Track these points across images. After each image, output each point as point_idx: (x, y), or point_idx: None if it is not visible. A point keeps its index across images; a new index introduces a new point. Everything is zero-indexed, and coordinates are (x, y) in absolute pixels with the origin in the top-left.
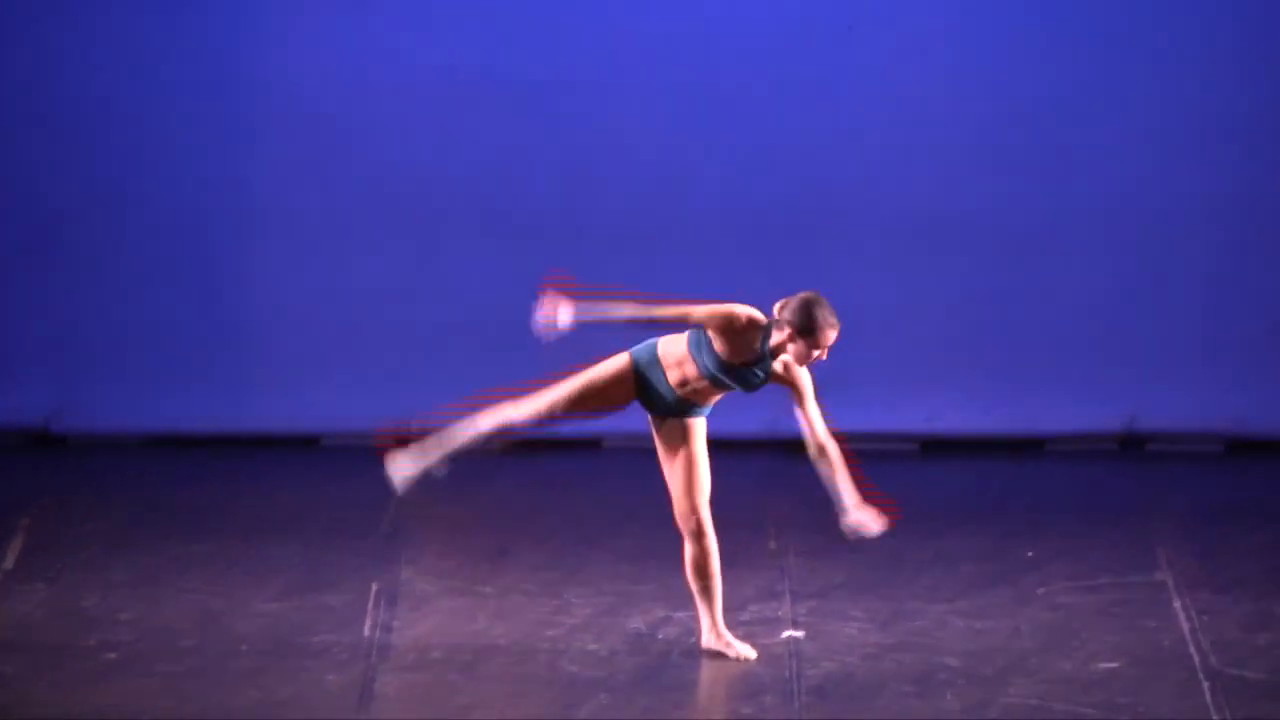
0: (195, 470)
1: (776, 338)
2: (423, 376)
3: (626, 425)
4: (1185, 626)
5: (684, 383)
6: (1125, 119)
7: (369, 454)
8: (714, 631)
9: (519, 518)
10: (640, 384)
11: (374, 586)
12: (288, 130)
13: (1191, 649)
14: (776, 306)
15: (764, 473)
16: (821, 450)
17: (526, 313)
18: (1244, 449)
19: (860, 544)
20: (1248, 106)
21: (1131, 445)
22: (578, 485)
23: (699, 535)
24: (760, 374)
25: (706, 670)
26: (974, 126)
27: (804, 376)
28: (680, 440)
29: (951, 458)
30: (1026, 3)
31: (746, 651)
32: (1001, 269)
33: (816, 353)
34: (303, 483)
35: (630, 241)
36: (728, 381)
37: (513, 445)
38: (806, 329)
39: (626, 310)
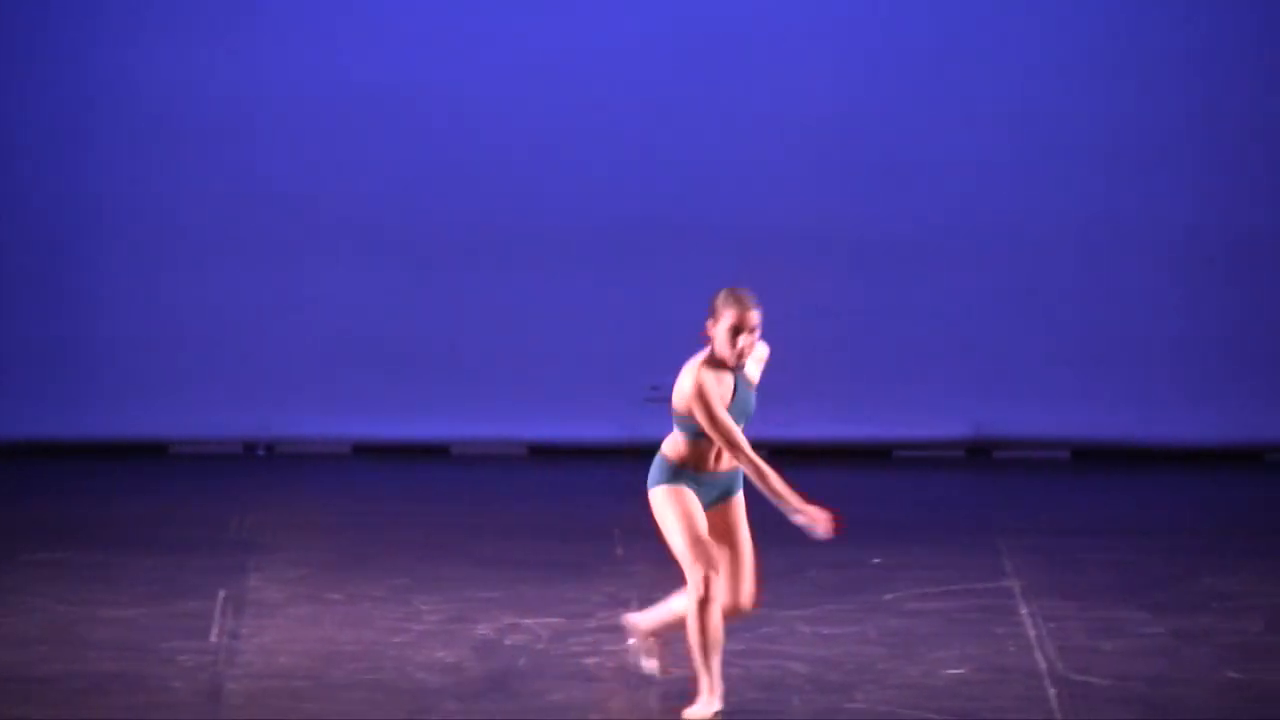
0: (42, 480)
1: (723, 329)
2: (276, 387)
3: (473, 432)
4: (1032, 633)
5: (698, 456)
6: (975, 134)
7: (218, 462)
8: (650, 633)
9: (368, 525)
10: (694, 485)
11: (221, 594)
12: (139, 143)
13: (1038, 655)
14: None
15: (612, 480)
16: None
17: (379, 325)
18: (1090, 456)
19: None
20: (1101, 123)
21: (978, 453)
22: (426, 493)
23: (736, 615)
24: (745, 389)
25: (552, 677)
26: (824, 140)
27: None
28: (727, 522)
29: (801, 464)
30: (873, 17)
31: (655, 668)
32: (853, 280)
33: (741, 337)
34: (151, 491)
35: (486, 254)
36: (738, 412)
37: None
38: (714, 314)
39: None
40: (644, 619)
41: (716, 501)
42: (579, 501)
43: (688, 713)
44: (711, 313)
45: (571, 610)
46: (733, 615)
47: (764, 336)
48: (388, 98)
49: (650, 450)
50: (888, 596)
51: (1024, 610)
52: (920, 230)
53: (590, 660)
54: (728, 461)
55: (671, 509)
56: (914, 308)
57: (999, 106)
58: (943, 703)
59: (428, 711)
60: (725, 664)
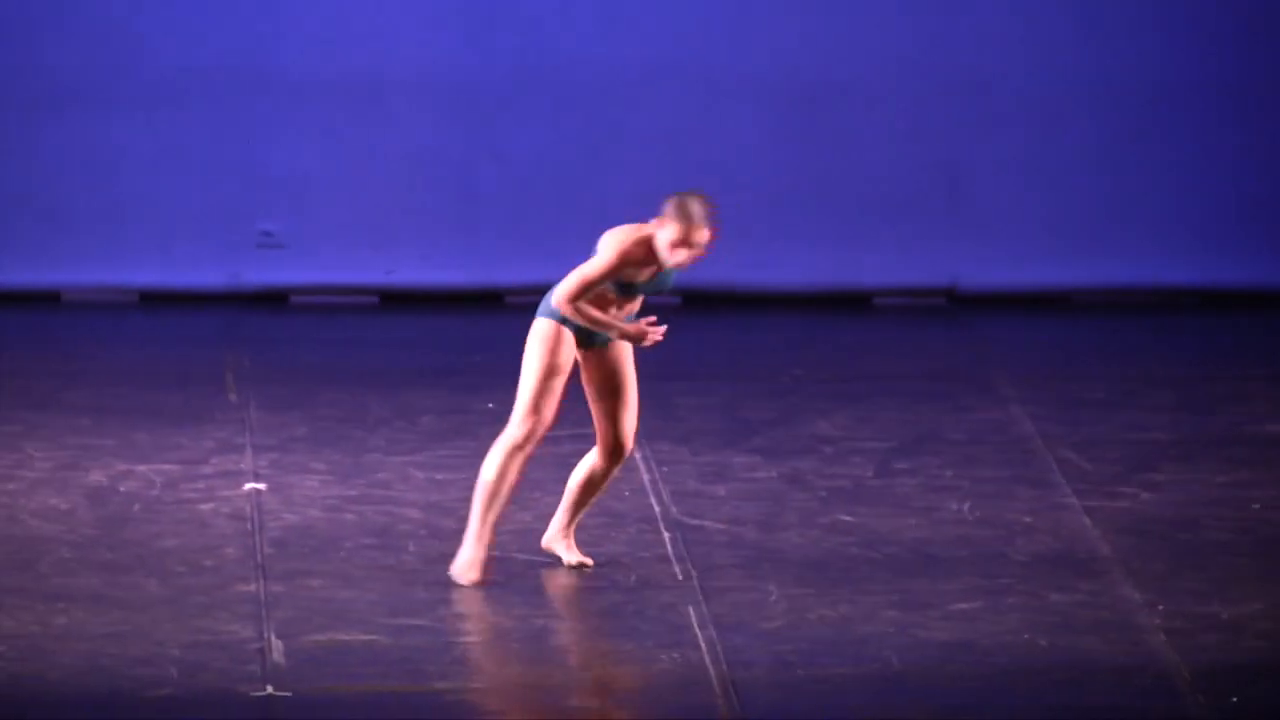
0: None
1: (666, 236)
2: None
3: (82, 279)
4: (646, 477)
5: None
6: None
7: None
8: (564, 535)
9: None
10: (571, 331)
11: None
12: None
13: (652, 499)
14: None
15: (223, 326)
16: None
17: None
18: (698, 301)
19: (327, 399)
20: None
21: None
22: (37, 341)
23: (619, 456)
24: (667, 279)
25: (166, 523)
26: None
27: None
28: (608, 364)
29: (411, 311)
30: None
31: (584, 559)
32: (459, 124)
33: (681, 251)
34: None
35: (91, 97)
36: (642, 289)
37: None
38: (664, 215)
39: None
40: (556, 526)
41: (602, 342)
42: (191, 348)
43: (453, 569)
44: (663, 212)
45: (185, 456)
46: (614, 458)
47: (368, 182)
48: None
49: (261, 296)
50: None
51: (637, 455)
52: (516, 77)
53: (205, 506)
54: (622, 312)
55: (541, 348)
56: (521, 153)
57: None
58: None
59: (41, 558)
60: (337, 509)
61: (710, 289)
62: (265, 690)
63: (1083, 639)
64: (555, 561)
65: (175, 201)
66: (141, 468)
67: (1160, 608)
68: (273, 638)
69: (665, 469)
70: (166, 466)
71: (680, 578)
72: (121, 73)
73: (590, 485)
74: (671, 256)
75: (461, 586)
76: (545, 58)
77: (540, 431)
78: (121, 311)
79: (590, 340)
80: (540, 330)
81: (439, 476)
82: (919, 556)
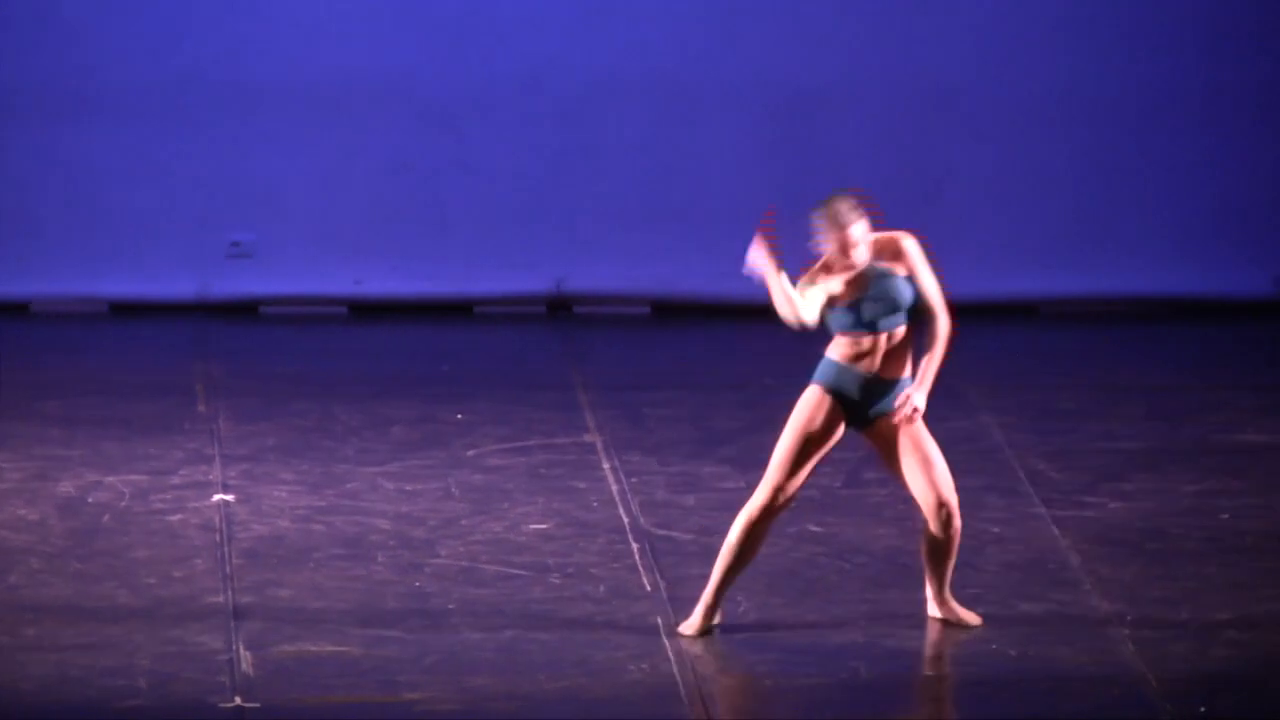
0: None
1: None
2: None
3: (53, 290)
4: (614, 488)
5: (859, 354)
6: None
7: None
8: (939, 603)
9: None
10: (841, 403)
11: None
12: None
13: (621, 510)
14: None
15: (193, 336)
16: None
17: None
18: (670, 311)
19: (296, 410)
20: None
21: (560, 308)
22: (6, 351)
23: (948, 525)
24: (888, 276)
25: (136, 534)
26: None
27: (911, 251)
28: (887, 434)
29: (381, 321)
30: None
31: (972, 618)
32: (429, 136)
33: (851, 252)
34: None
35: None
36: (874, 306)
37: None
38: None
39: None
40: (931, 595)
41: (876, 414)
42: (160, 359)
43: (682, 627)
44: (817, 233)
45: (154, 467)
46: (941, 523)
47: (340, 191)
48: None
49: (231, 306)
50: (470, 452)
51: (606, 465)
52: (487, 87)
53: (174, 517)
54: (893, 366)
55: (801, 414)
56: (491, 164)
57: None
58: (526, 557)
59: (11, 569)
60: (307, 520)
61: (681, 299)
62: (234, 701)
63: (1052, 649)
64: (525, 572)
65: (145, 212)
66: (111, 478)
67: (1129, 617)
68: (242, 648)
69: (634, 479)
70: (136, 477)
71: (649, 588)
72: (90, 83)
73: (936, 553)
74: (845, 258)
75: (431, 595)
76: (516, 68)
77: (781, 500)
78: (91, 322)
79: (863, 416)
80: (805, 395)
81: (409, 487)
82: (889, 566)
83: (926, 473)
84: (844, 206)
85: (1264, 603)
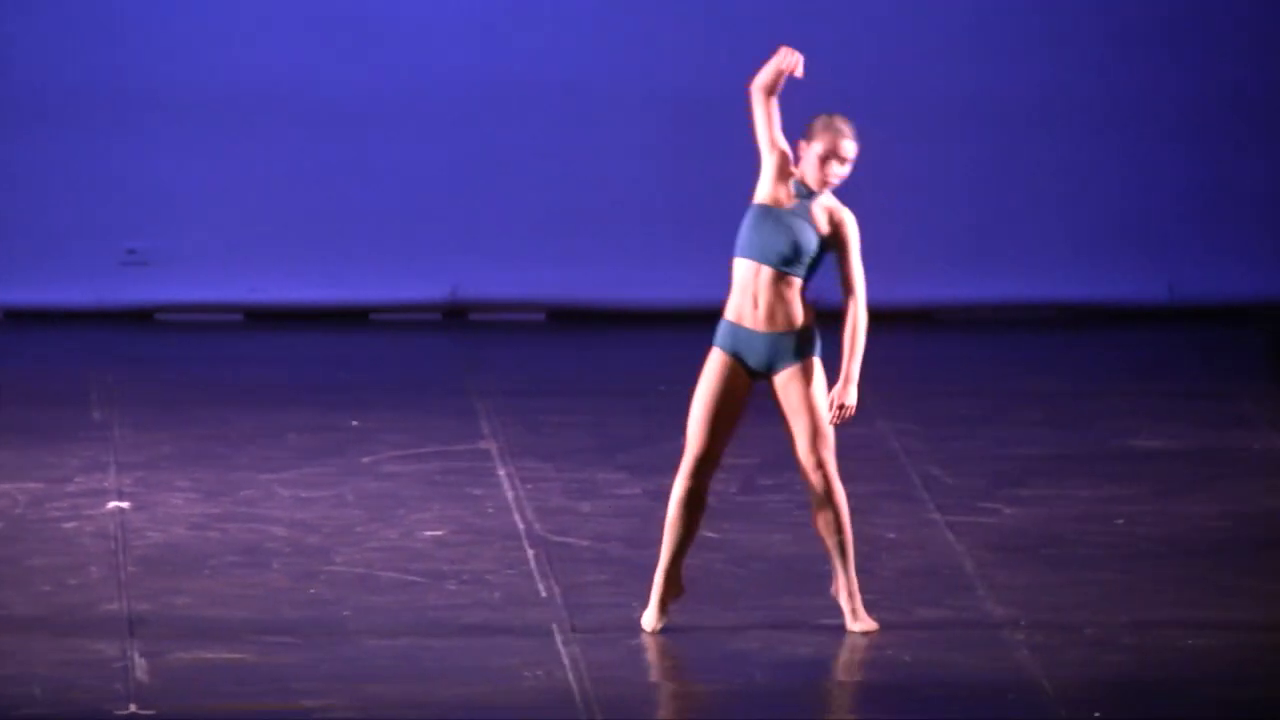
0: None
1: (815, 151)
2: None
3: None
4: (510, 494)
5: (741, 292)
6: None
7: None
8: (847, 591)
9: None
10: (738, 359)
11: None
12: None
13: (517, 517)
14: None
15: (88, 344)
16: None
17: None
18: (565, 318)
19: (192, 417)
20: None
21: (455, 315)
22: None
23: (826, 490)
24: (805, 219)
25: (31, 541)
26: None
27: (849, 231)
28: (790, 390)
29: (276, 329)
30: None
31: (869, 625)
32: (323, 142)
33: (831, 164)
34: None
35: None
36: (769, 232)
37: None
38: (808, 135)
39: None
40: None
41: (761, 375)
42: (55, 366)
43: (643, 620)
44: (806, 134)
45: (50, 475)
46: (810, 486)
47: (235, 199)
48: None
49: (126, 314)
50: (366, 459)
51: (502, 472)
52: (381, 95)
53: (70, 524)
54: (777, 318)
55: (704, 377)
56: (387, 172)
57: None
58: (423, 564)
59: None
60: (203, 527)
61: (576, 306)
62: (130, 709)
63: (948, 655)
64: (421, 579)
65: (39, 219)
66: (6, 486)
67: (1025, 623)
68: (138, 656)
69: (530, 486)
70: (31, 485)
71: (545, 594)
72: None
73: (828, 531)
74: (819, 171)
75: (327, 602)
76: (414, 75)
77: (703, 467)
78: None
79: (761, 372)
80: (707, 360)
81: (305, 494)
82: (786, 573)
83: (807, 431)
84: (850, 127)
85: (1160, 609)
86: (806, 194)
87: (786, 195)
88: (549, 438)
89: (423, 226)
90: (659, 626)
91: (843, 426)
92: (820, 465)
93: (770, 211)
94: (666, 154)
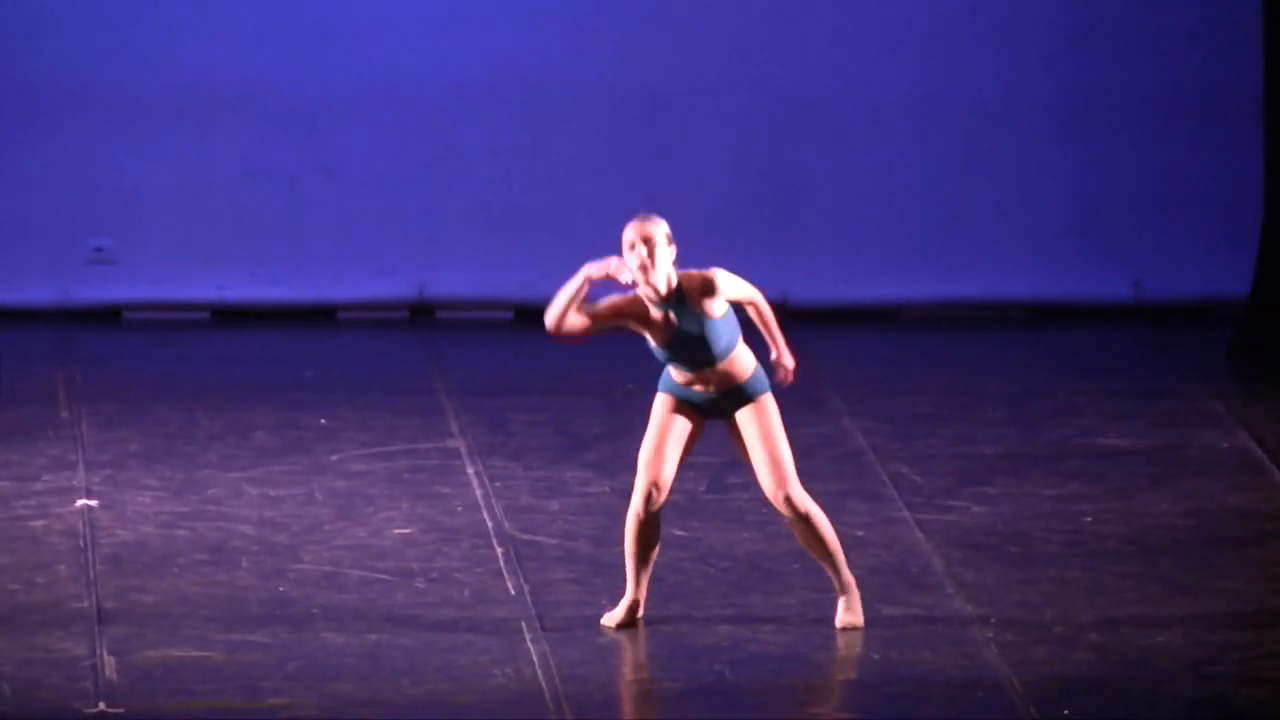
0: None
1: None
2: None
3: None
4: (479, 493)
5: (689, 381)
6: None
7: None
8: (840, 586)
9: None
10: (685, 401)
11: None
12: None
13: (485, 515)
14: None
15: (55, 342)
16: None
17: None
18: (532, 317)
19: (159, 416)
20: None
21: (422, 313)
22: None
23: (798, 516)
24: (687, 320)
25: (0, 540)
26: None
27: (721, 285)
28: (748, 427)
29: (243, 327)
30: None
31: (857, 621)
32: (291, 140)
33: (628, 255)
34: None
35: None
36: (686, 351)
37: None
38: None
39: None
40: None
41: (723, 409)
42: (22, 365)
43: (605, 619)
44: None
45: (17, 473)
46: (801, 524)
47: (198, 198)
48: None
49: (93, 312)
50: (334, 457)
51: (470, 470)
52: (346, 93)
53: (38, 523)
54: (729, 379)
55: (654, 415)
56: (353, 170)
57: None
58: (390, 562)
59: None
60: (170, 525)
61: (543, 304)
62: (98, 708)
63: (916, 653)
64: (389, 576)
65: (5, 217)
66: None
67: (992, 620)
68: (106, 654)
69: (498, 484)
70: None
71: (513, 592)
72: None
73: (808, 545)
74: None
75: (294, 600)
76: (376, 73)
77: (655, 495)
78: None
79: (713, 416)
80: (655, 402)
81: (272, 492)
82: (753, 571)
83: (766, 467)
84: (635, 223)
85: (1125, 605)
86: (671, 302)
87: (661, 323)
88: (517, 436)
89: (390, 225)
90: (614, 625)
91: (810, 426)
92: (788, 500)
93: (669, 348)
94: (632, 153)
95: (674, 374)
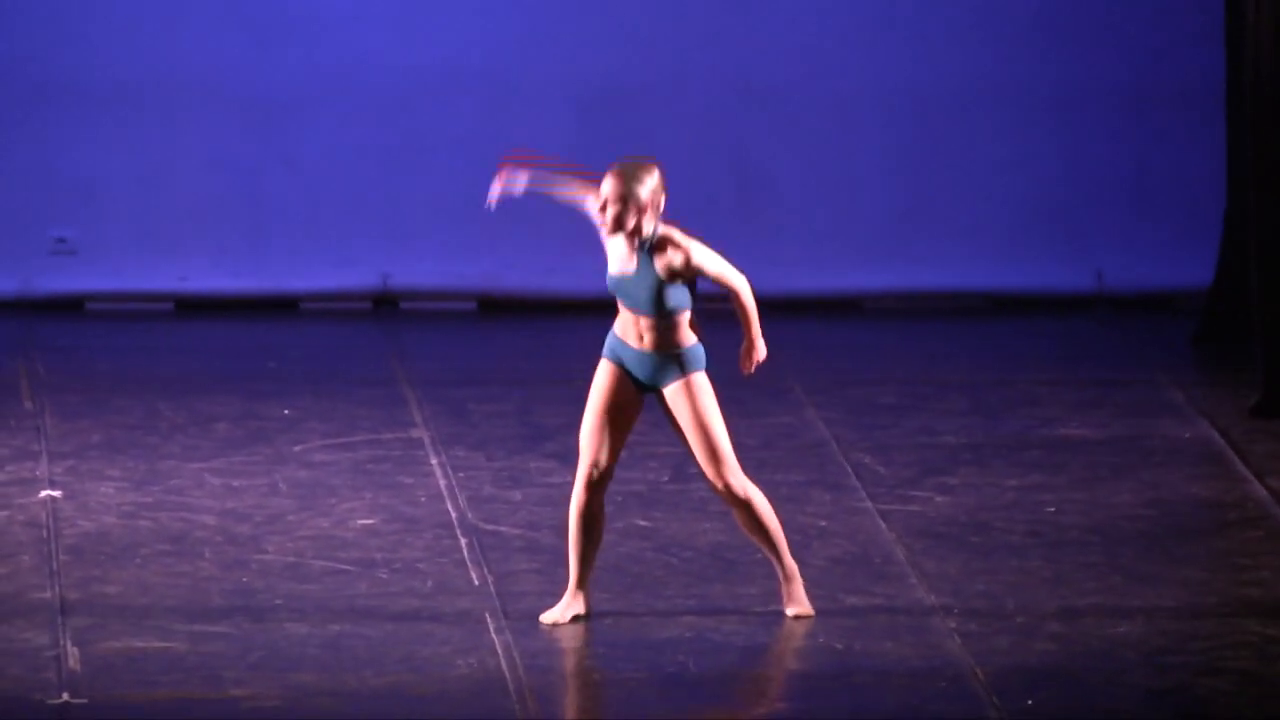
0: None
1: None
2: None
3: None
4: (442, 483)
5: (624, 322)
6: None
7: None
8: (784, 576)
9: None
10: (625, 371)
11: None
12: None
13: (448, 505)
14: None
15: (16, 333)
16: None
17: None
18: (494, 307)
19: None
20: None
21: (385, 304)
22: None
23: (735, 501)
24: (644, 269)
25: None
26: None
27: (692, 257)
28: (678, 406)
29: (205, 317)
30: None
31: (805, 609)
32: (252, 132)
33: (605, 210)
34: None
35: None
36: (630, 290)
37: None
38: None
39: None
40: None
41: (648, 388)
42: None
43: (544, 616)
44: None
45: None
46: (739, 508)
47: (161, 188)
48: None
49: (55, 303)
50: (297, 448)
51: (434, 461)
52: (307, 84)
53: (0, 514)
54: (661, 340)
55: (593, 386)
56: (315, 160)
57: None
58: (353, 553)
59: None
60: (133, 516)
61: (505, 295)
62: (62, 698)
63: (878, 642)
64: (351, 567)
65: None
66: None
67: (955, 610)
68: (69, 645)
69: (461, 474)
70: None
71: (477, 583)
72: None
73: (751, 530)
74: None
75: (257, 591)
76: (338, 63)
77: (595, 474)
78: None
79: (646, 386)
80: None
81: (235, 483)
82: (715, 561)
83: (701, 452)
84: (617, 168)
85: (1087, 595)
86: (642, 246)
87: (622, 255)
88: (479, 426)
89: (353, 216)
90: (559, 622)
91: (772, 416)
92: (726, 486)
93: (618, 280)
94: (596, 143)
95: (616, 325)
